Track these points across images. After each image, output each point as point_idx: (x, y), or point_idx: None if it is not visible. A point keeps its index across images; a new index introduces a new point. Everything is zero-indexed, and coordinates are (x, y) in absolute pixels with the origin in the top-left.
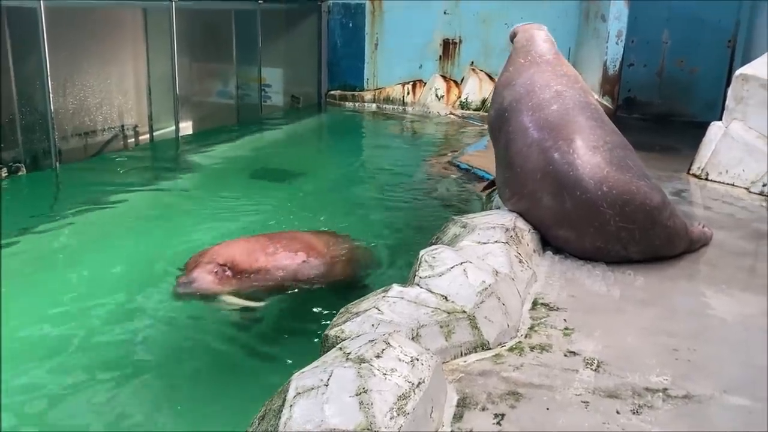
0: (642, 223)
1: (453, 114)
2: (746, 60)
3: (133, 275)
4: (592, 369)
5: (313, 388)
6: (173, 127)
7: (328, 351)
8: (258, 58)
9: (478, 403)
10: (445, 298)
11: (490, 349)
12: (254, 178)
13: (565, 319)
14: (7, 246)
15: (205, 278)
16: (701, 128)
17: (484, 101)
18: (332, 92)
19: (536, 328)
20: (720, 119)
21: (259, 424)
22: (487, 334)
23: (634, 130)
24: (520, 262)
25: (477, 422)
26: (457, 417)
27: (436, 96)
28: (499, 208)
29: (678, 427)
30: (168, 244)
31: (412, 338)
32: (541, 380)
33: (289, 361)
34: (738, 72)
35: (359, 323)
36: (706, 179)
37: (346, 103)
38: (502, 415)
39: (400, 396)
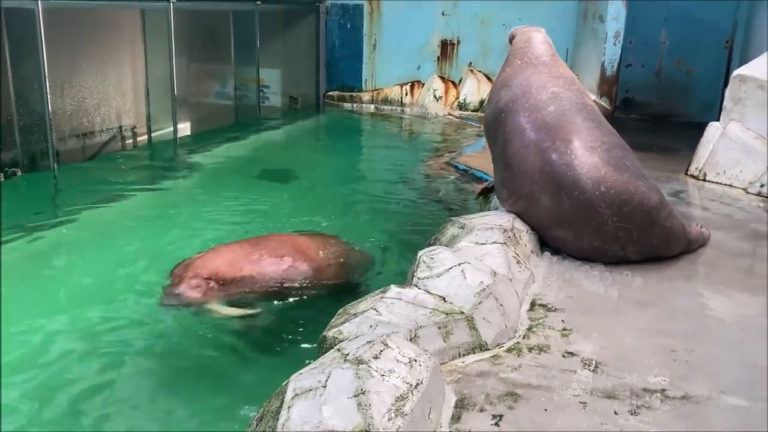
0: (640, 223)
1: (451, 115)
2: (744, 61)
3: (129, 278)
4: (590, 370)
5: (311, 389)
6: (171, 128)
7: (326, 352)
8: (256, 59)
9: (477, 404)
10: (444, 299)
11: (488, 350)
12: (252, 178)
13: (563, 320)
14: (4, 246)
15: (190, 293)
16: (699, 129)
17: (482, 102)
18: (330, 93)
19: (534, 329)
20: (718, 120)
21: (257, 425)
22: (485, 335)
23: (632, 131)
24: (518, 262)
25: (475, 423)
26: (456, 418)
27: (435, 97)
28: (497, 208)
29: (676, 427)
30: (166, 245)
31: (410, 339)
32: (539, 381)
33: (275, 371)
34: (735, 73)
35: (357, 324)
36: (704, 180)
37: (344, 104)
38: (500, 416)
39: (398, 397)
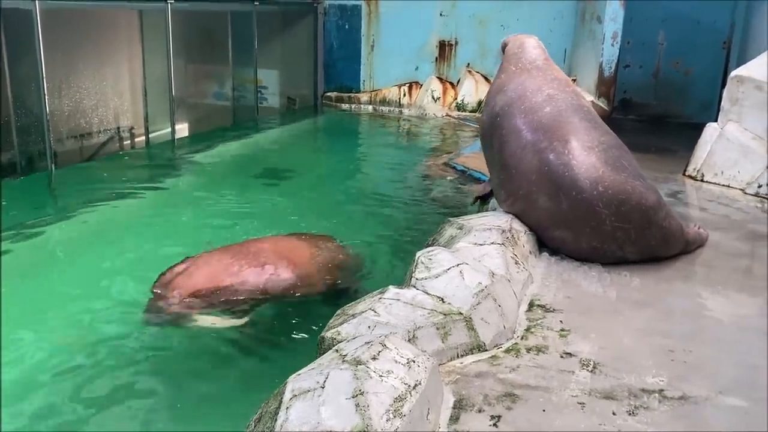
0: (638, 223)
1: (449, 116)
2: (741, 61)
3: (125, 280)
4: (588, 370)
5: (309, 390)
6: (169, 129)
7: (324, 353)
8: (254, 60)
9: (475, 404)
10: (442, 299)
11: (486, 350)
12: (250, 179)
13: (561, 321)
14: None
15: (173, 309)
16: (697, 129)
17: (480, 103)
18: (328, 94)
19: (532, 330)
20: (715, 120)
21: (255, 425)
22: (484, 335)
23: (630, 132)
24: (516, 263)
25: (473, 424)
26: (454, 419)
27: (432, 98)
28: (495, 209)
29: (674, 428)
30: (162, 248)
31: (409, 340)
32: (538, 382)
33: (273, 372)
34: (733, 73)
35: (355, 325)
36: (702, 180)
37: (343, 104)
38: (499, 417)
39: (396, 398)
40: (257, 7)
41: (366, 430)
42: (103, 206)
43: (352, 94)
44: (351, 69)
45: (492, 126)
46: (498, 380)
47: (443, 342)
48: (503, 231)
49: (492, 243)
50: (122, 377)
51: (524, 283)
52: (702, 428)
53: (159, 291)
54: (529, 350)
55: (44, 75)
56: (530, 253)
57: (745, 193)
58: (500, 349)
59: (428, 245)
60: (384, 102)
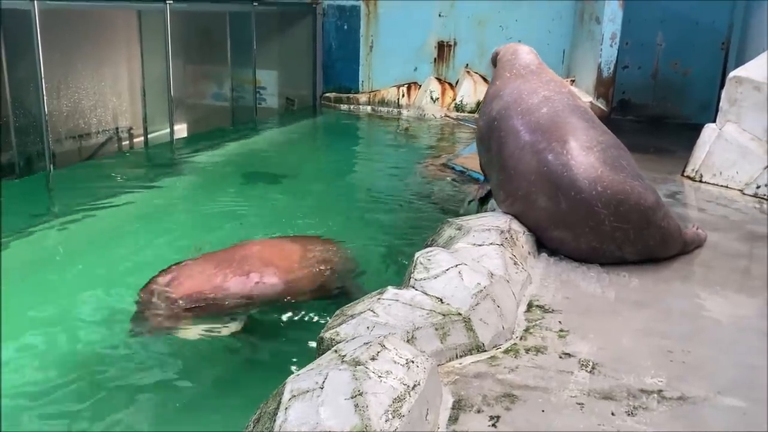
0: (636, 223)
1: (448, 116)
2: (740, 62)
3: (119, 285)
4: (587, 371)
5: (308, 391)
6: (168, 130)
7: (323, 353)
8: (253, 61)
9: (474, 405)
10: (441, 300)
11: (485, 351)
12: (249, 180)
13: (560, 321)
14: None
15: (157, 324)
16: (695, 130)
17: (479, 103)
18: (327, 94)
19: (531, 330)
20: (714, 121)
21: (254, 426)
22: (483, 336)
23: (629, 132)
24: (515, 264)
25: (472, 424)
26: (453, 419)
27: (431, 98)
28: (494, 210)
29: (673, 428)
30: (161, 248)
31: (408, 340)
32: (537, 382)
33: (271, 373)
34: (732, 74)
35: (354, 326)
36: (700, 181)
37: (341, 105)
38: (498, 417)
39: (395, 398)
40: (256, 7)
41: (365, 430)
42: (101, 207)
43: (351, 95)
44: (350, 69)
45: (490, 130)
46: (497, 381)
47: (442, 342)
48: (502, 232)
49: (491, 244)
50: (108, 388)
51: (523, 284)
52: (701, 428)
53: (143, 304)
54: (528, 351)
55: (43, 75)
56: (529, 253)
57: (744, 194)
58: (499, 349)
59: (427, 246)
60: (383, 103)
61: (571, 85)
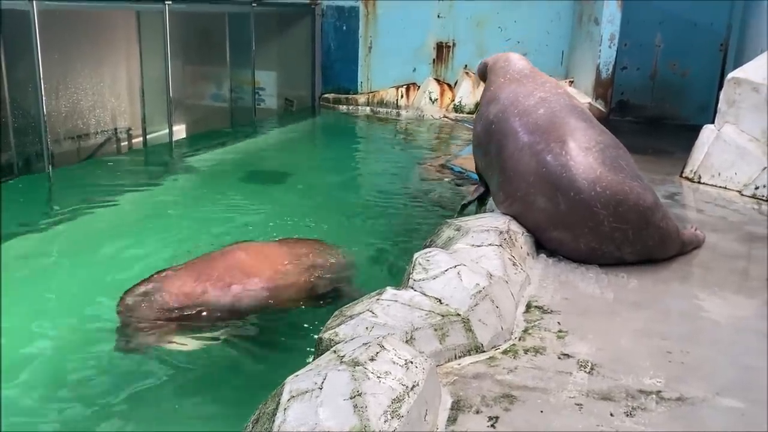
0: (635, 224)
1: (447, 117)
2: (738, 63)
3: (120, 284)
4: (585, 371)
5: (307, 391)
6: (166, 130)
7: (322, 354)
8: (251, 61)
9: (473, 405)
10: (439, 301)
11: (484, 351)
12: (248, 181)
13: (558, 322)
14: None
15: (143, 340)
16: (694, 131)
17: (477, 104)
18: (326, 95)
19: (530, 331)
20: (712, 122)
21: (253, 426)
22: (481, 336)
23: (627, 133)
24: (514, 264)
25: (471, 425)
26: (452, 420)
27: (430, 99)
28: (493, 211)
29: (671, 429)
30: (160, 248)
31: (406, 341)
32: (535, 383)
33: (269, 374)
34: (730, 75)
35: (353, 326)
36: (699, 182)
37: (340, 106)
38: (496, 418)
39: (394, 399)
40: (255, 8)
41: (364, 431)
42: (99, 208)
43: (350, 96)
44: (348, 70)
45: (488, 133)
46: (496, 381)
47: (441, 343)
48: (501, 232)
49: (490, 244)
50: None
51: (522, 285)
52: (699, 429)
53: (124, 315)
54: (526, 351)
55: (41, 76)
56: (528, 254)
57: (742, 195)
58: (498, 350)
59: (426, 246)
60: (381, 103)
61: (570, 86)
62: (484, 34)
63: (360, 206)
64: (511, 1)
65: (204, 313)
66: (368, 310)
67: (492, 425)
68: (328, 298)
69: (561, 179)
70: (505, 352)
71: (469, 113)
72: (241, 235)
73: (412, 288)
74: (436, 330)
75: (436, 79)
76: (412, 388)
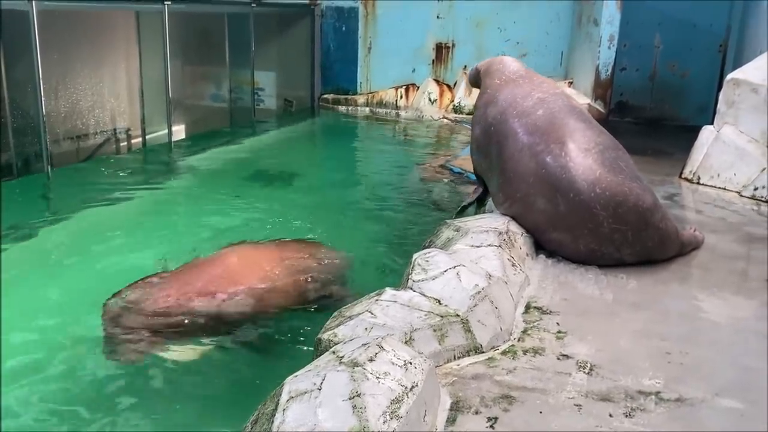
0: (635, 225)
1: (446, 118)
2: (737, 64)
3: (117, 285)
4: (585, 372)
5: (306, 392)
6: (166, 131)
7: (321, 355)
8: (251, 62)
9: (472, 406)
10: (439, 301)
11: (483, 352)
12: (247, 182)
13: (558, 323)
14: None
15: (130, 352)
16: (693, 132)
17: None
18: (325, 96)
19: (529, 332)
20: (712, 123)
21: (252, 427)
22: (480, 337)
23: (627, 134)
24: (513, 265)
25: (470, 426)
26: (451, 420)
27: (429, 100)
28: (492, 211)
29: (671, 429)
30: (159, 249)
31: (406, 342)
32: (534, 383)
33: (269, 375)
34: (729, 76)
35: (352, 327)
36: (698, 183)
37: (339, 106)
38: (495, 419)
39: (393, 400)
40: (254, 8)
41: (363, 431)
42: (98, 208)
43: (349, 96)
44: (348, 71)
45: (487, 136)
46: (495, 382)
47: (440, 344)
48: (500, 233)
49: (489, 245)
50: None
51: (521, 285)
52: (698, 430)
53: (108, 324)
54: (525, 352)
55: (41, 76)
56: (527, 255)
57: (741, 196)
58: (497, 351)
59: (425, 247)
60: (381, 104)
61: (569, 86)
62: (483, 34)
63: (359, 206)
64: (510, 1)
65: (190, 321)
66: (367, 310)
67: (491, 426)
68: (322, 301)
69: (560, 180)
70: (504, 352)
71: (468, 114)
72: (239, 235)
73: (411, 289)
74: (435, 331)
75: (435, 80)
76: (411, 389)
